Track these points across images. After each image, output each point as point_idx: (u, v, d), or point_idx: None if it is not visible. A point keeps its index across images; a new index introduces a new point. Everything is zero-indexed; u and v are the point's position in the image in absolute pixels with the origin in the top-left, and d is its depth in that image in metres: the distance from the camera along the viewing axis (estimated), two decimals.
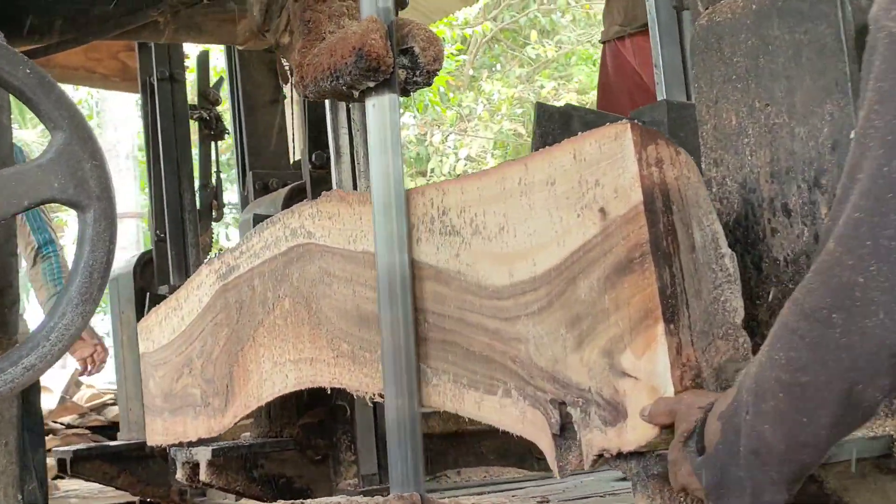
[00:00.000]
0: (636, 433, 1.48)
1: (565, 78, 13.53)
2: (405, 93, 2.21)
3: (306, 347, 2.33)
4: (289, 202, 3.01)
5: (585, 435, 1.57)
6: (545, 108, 1.85)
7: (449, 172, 12.92)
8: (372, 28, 2.07)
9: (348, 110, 2.90)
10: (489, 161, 13.21)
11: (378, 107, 2.14)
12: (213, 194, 4.15)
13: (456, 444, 3.20)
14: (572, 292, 1.58)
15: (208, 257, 2.78)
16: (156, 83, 4.06)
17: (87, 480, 4.05)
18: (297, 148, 3.68)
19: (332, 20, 2.35)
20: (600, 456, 1.55)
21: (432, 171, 13.17)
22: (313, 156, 2.95)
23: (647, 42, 3.13)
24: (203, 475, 2.83)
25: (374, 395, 2.10)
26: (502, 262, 1.73)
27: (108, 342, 4.59)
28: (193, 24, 3.10)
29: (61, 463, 4.04)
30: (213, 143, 4.21)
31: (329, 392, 2.57)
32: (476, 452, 3.22)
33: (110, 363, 4.32)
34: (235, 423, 2.68)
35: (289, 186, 3.09)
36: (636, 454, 1.50)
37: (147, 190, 4.16)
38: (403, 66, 2.12)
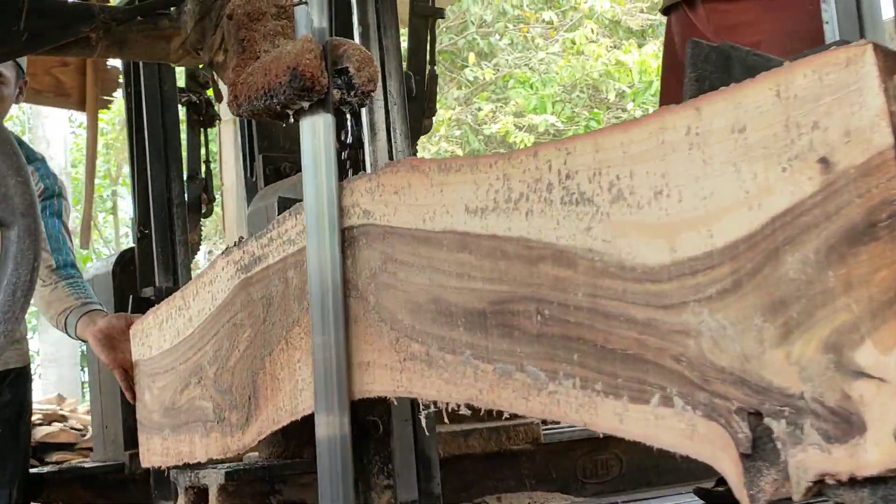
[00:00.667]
0: (880, 453, 1.12)
1: (503, 101, 13.71)
2: (339, 113, 2.20)
3: (360, 350, 1.94)
4: None
5: (795, 455, 1.21)
6: (700, 47, 1.50)
7: None
8: (307, 48, 2.07)
9: (384, 80, 2.53)
10: None
11: (312, 127, 2.14)
12: (203, 187, 3.73)
13: (497, 466, 2.83)
14: (773, 269, 1.22)
15: (226, 248, 2.37)
16: (140, 63, 3.64)
17: None
18: None
19: (266, 39, 2.34)
20: (819, 481, 1.19)
21: (210, 252, 13.20)
22: (340, 134, 2.56)
23: (725, 5, 2.80)
24: (214, 500, 2.42)
25: (458, 405, 1.72)
26: (658, 234, 1.36)
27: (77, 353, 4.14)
28: (126, 41, 3.01)
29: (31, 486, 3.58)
30: (202, 130, 3.78)
31: (356, 404, 2.19)
32: (517, 476, 2.85)
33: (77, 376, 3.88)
34: (259, 442, 2.27)
35: None
36: (877, 480, 1.14)
37: (130, 181, 3.73)
38: (338, 86, 2.12)
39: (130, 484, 3.62)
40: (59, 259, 3.25)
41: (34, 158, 3.34)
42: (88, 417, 6.17)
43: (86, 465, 3.65)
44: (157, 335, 2.66)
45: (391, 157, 2.48)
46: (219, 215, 12.78)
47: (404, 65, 2.58)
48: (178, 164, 3.58)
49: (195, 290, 2.48)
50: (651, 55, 13.01)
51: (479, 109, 13.42)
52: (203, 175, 3.75)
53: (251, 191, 3.07)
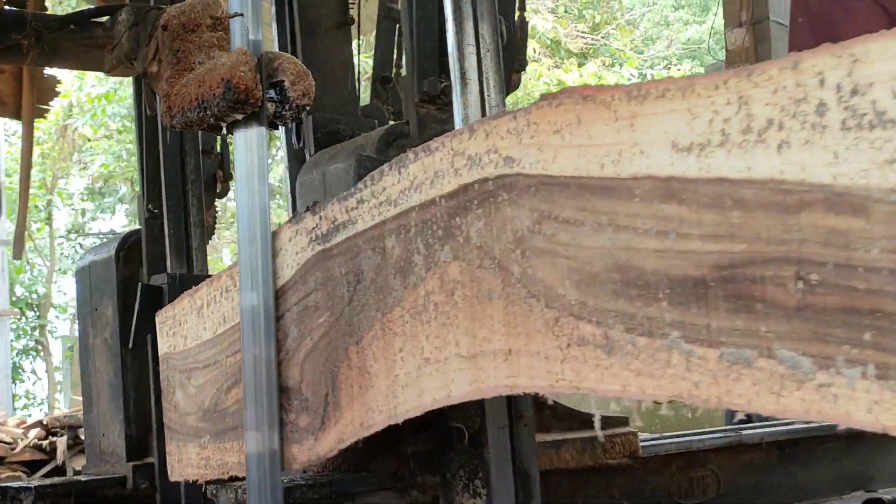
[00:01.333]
0: None
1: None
2: (273, 126, 2.20)
3: (497, 334, 1.53)
4: (386, 146, 2.20)
5: None
6: None
7: None
8: (241, 60, 2.09)
9: (476, 23, 2.13)
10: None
11: (246, 140, 2.14)
12: (219, 162, 3.30)
13: (588, 483, 2.42)
14: None
15: (296, 214, 1.95)
16: None
17: None
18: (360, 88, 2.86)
19: (201, 51, 2.32)
20: None
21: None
22: (424, 84, 2.15)
23: None
24: None
25: (662, 401, 1.32)
26: None
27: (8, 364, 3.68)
28: (58, 49, 3.03)
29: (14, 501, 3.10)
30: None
31: (442, 409, 1.78)
32: (608, 494, 2.44)
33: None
34: (340, 451, 1.85)
35: (384, 127, 2.27)
36: None
37: (136, 154, 3.28)
38: (272, 99, 2.12)
39: (132, 500, 3.16)
40: None
41: None
42: (19, 431, 5.68)
43: (82, 479, 3.18)
44: (194, 322, 2.23)
45: (483, 112, 2.08)
46: None
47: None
48: (194, 136, 3.14)
49: None
50: (591, 74, 13.10)
51: None
52: (219, 149, 3.31)
53: (296, 158, 2.64)
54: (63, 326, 18.32)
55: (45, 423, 7.60)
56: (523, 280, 1.49)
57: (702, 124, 1.25)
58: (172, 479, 2.34)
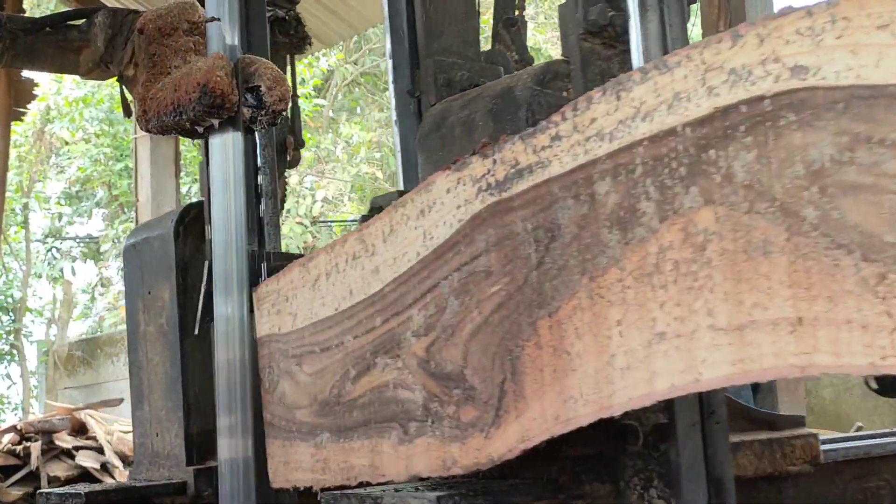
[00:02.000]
0: None
1: None
2: (249, 131, 2.21)
3: (777, 299, 1.17)
4: (542, 85, 1.83)
5: None
6: None
7: (305, 214, 13.29)
8: (217, 65, 2.09)
9: None
10: (346, 204, 13.76)
11: (222, 145, 2.15)
12: (290, 127, 2.93)
13: (758, 492, 2.05)
14: None
15: (457, 161, 1.58)
16: None
17: None
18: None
19: (177, 55, 2.30)
20: None
21: (288, 211, 13.06)
22: (591, 13, 1.79)
23: None
24: None
25: None
26: None
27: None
28: (34, 51, 3.05)
29: None
30: (288, 57, 2.97)
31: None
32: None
33: (118, 370, 3.12)
34: (523, 452, 1.48)
35: (539, 65, 1.91)
36: None
37: None
38: (248, 104, 2.14)
39: None
40: None
41: None
42: None
43: (137, 485, 2.79)
44: (307, 297, 1.86)
45: (665, 50, 1.72)
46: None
47: None
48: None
49: (387, 226, 1.68)
50: None
51: None
52: (289, 113, 2.94)
53: (406, 108, 2.27)
54: (39, 330, 17.89)
55: (19, 427, 7.25)
56: (823, 226, 1.13)
57: None
58: (276, 485, 1.96)
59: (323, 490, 1.81)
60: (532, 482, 1.74)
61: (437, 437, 1.59)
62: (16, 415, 15.41)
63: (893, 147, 1.07)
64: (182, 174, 9.93)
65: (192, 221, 2.87)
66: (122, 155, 14.91)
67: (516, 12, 2.49)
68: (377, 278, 1.70)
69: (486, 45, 2.46)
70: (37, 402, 16.00)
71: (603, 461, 1.77)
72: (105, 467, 7.40)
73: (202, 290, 2.65)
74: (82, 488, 2.74)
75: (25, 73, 5.80)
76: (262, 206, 2.74)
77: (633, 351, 1.32)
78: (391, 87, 2.39)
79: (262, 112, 2.17)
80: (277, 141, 2.86)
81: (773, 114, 1.17)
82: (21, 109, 5.84)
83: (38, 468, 6.98)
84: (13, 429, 7.32)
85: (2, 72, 5.10)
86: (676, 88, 1.27)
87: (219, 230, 2.18)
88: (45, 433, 7.11)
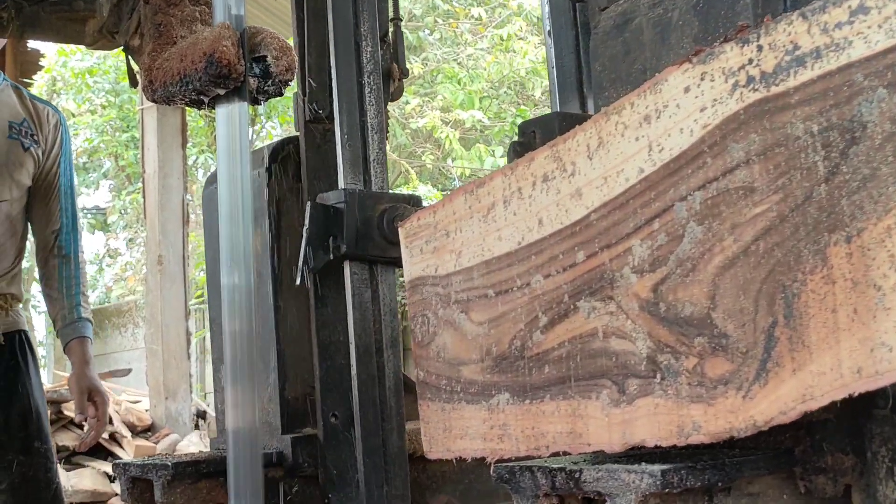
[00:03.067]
0: None
1: (430, 95, 13.49)
2: (256, 102, 2.19)
3: None
4: None
5: None
6: None
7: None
8: (224, 35, 2.07)
9: None
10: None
11: (228, 115, 2.13)
12: (392, 54, 2.61)
13: None
14: None
15: (702, 51, 1.26)
16: None
17: None
18: None
19: (183, 25, 2.29)
20: None
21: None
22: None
23: None
24: None
25: None
26: None
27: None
28: (39, 22, 3.04)
29: (137, 486, 2.42)
30: None
31: None
32: None
33: (126, 341, 2.89)
34: (801, 415, 1.16)
35: None
36: None
37: (295, 35, 2.57)
38: (255, 74, 2.12)
39: (290, 482, 2.48)
40: (65, 223, 3.03)
41: (48, 102, 3.13)
42: None
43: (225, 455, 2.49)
44: (476, 230, 1.54)
45: None
46: (139, 203, 11.76)
47: None
48: (372, 15, 2.45)
49: (594, 138, 1.36)
50: None
51: (407, 103, 13.19)
52: (392, 38, 2.62)
53: (564, 14, 1.95)
54: None
55: None
56: None
57: None
58: (433, 456, 1.65)
59: (499, 462, 1.50)
60: (766, 455, 1.42)
61: (669, 398, 1.28)
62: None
63: None
64: (189, 145, 9.68)
65: (287, 159, 2.56)
66: (128, 126, 14.77)
67: None
68: (579, 203, 1.38)
69: None
70: (45, 371, 15.85)
71: (844, 428, 1.46)
72: (114, 437, 7.20)
73: (304, 235, 2.35)
74: (167, 458, 2.45)
75: (31, 45, 5.76)
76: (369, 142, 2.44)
77: None
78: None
79: (269, 82, 2.13)
80: (382, 69, 2.54)
81: None
82: (27, 80, 5.81)
83: None
84: None
85: (7, 43, 4.94)
86: None
87: (224, 199, 2.13)
88: (54, 403, 6.92)
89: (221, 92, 2.12)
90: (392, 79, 2.60)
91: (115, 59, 13.96)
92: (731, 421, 1.21)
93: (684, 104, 1.26)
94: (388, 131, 2.60)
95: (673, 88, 1.28)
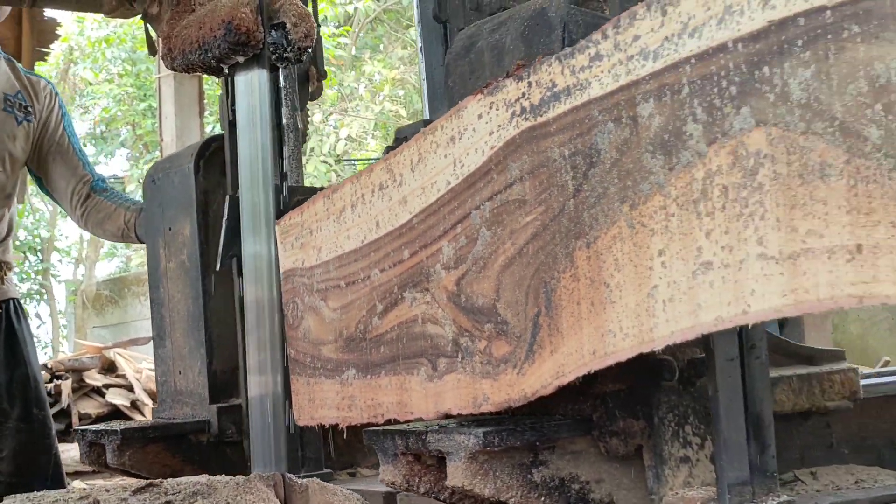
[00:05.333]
0: None
1: None
2: (275, 68, 2.20)
3: (835, 226, 1.09)
4: (580, 3, 1.75)
5: None
6: None
7: (329, 152, 13.33)
8: (243, 1, 2.05)
9: None
10: (370, 142, 13.77)
11: (248, 82, 2.15)
12: (312, 59, 2.84)
13: (800, 430, 2.00)
14: None
15: (490, 83, 1.50)
16: None
17: (136, 475, 2.71)
18: None
19: None
20: None
21: (312, 150, 13.13)
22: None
23: None
24: (458, 477, 1.55)
25: None
26: None
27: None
28: None
29: (93, 450, 2.69)
30: None
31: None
32: (826, 443, 2.02)
33: (146, 309, 3.12)
34: (558, 388, 1.42)
35: None
36: None
37: None
38: (274, 41, 2.11)
39: (215, 448, 2.74)
40: (94, 173, 3.13)
41: (40, 75, 3.21)
42: None
43: (174, 422, 2.76)
44: (331, 230, 1.79)
45: None
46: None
47: None
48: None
49: (415, 154, 1.61)
50: None
51: None
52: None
53: (433, 34, 2.18)
54: (66, 270, 18.02)
55: (50, 366, 7.30)
56: (887, 147, 1.05)
57: None
58: (300, 423, 1.91)
59: (349, 427, 1.76)
60: (568, 420, 1.68)
61: (467, 374, 1.53)
62: (46, 354, 15.57)
63: None
64: (206, 113, 9.85)
65: (213, 155, 2.80)
66: (145, 95, 14.87)
67: None
68: (405, 209, 1.63)
69: None
70: (66, 341, 16.13)
71: (636, 397, 1.71)
72: (135, 405, 7.45)
73: (223, 224, 2.59)
74: (118, 425, 2.71)
75: (48, 13, 5.72)
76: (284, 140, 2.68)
77: (677, 282, 1.25)
78: (416, 12, 2.31)
79: (288, 49, 2.14)
80: (299, 72, 2.78)
81: (834, 26, 1.09)
82: (44, 49, 5.70)
83: (69, 406, 7.04)
84: (44, 367, 7.36)
85: (24, 12, 5.04)
86: (728, 1, 1.19)
87: (245, 168, 2.16)
88: (76, 371, 7.16)
89: (241, 59, 2.11)
90: (311, 80, 2.83)
91: (131, 27, 14.08)
92: (509, 393, 1.47)
93: (478, 128, 1.51)
94: (307, 129, 2.83)
95: (471, 115, 1.52)
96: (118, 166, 17.35)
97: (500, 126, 1.47)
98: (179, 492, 1.92)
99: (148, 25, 2.64)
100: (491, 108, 1.49)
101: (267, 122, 2.18)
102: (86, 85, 16.12)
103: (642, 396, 1.71)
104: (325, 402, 1.82)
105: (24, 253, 16.58)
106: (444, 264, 1.56)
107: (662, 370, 1.71)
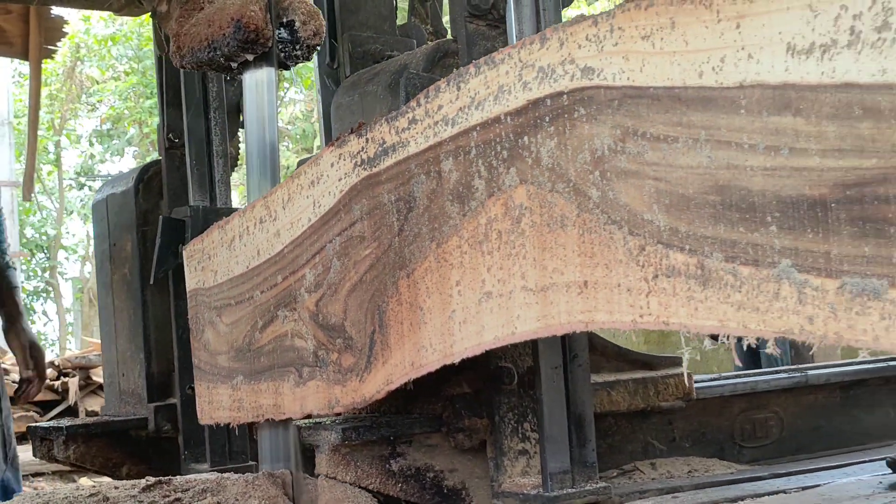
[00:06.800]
0: None
1: None
2: (284, 67, 2.19)
3: (571, 265, 1.38)
4: (432, 66, 2.04)
5: None
6: None
7: None
8: None
9: None
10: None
11: (256, 80, 2.16)
12: (242, 90, 3.12)
13: (644, 427, 2.29)
14: None
15: (339, 137, 1.79)
16: None
17: (79, 468, 3.01)
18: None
19: None
20: None
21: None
22: None
23: None
24: (324, 466, 1.86)
25: (768, 338, 1.18)
26: None
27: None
28: None
29: (44, 444, 2.99)
30: None
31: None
32: (668, 438, 2.32)
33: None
34: (387, 393, 1.71)
35: (431, 44, 2.11)
36: None
37: (156, 80, 3.11)
38: (283, 39, 2.12)
39: (153, 442, 3.04)
40: None
41: None
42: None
43: (116, 419, 3.06)
44: (225, 256, 2.08)
45: (538, 28, 1.91)
46: None
47: None
48: None
49: (286, 195, 1.90)
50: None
51: None
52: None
53: (329, 79, 2.47)
54: (73, 268, 18.29)
55: (57, 363, 7.54)
56: (603, 205, 1.34)
57: (826, 22, 1.09)
58: (202, 421, 2.21)
59: (239, 426, 2.05)
60: (421, 418, 1.97)
61: (324, 381, 1.82)
62: (53, 351, 15.84)
63: (653, 139, 1.27)
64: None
65: (151, 179, 3.10)
66: (151, 92, 15.06)
67: None
68: (279, 241, 1.92)
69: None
70: (73, 338, 16.39)
71: (481, 399, 2.00)
72: None
73: (157, 242, 2.88)
74: (66, 422, 3.01)
75: (55, 11, 5.59)
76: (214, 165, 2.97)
77: (468, 307, 1.54)
78: (315, 59, 2.57)
79: (297, 47, 2.14)
80: (231, 103, 3.07)
81: (569, 107, 1.38)
82: (51, 47, 5.62)
83: (75, 403, 7.28)
84: (51, 364, 7.51)
85: (32, 10, 5.01)
86: (501, 82, 1.48)
87: (253, 165, 2.19)
88: (82, 369, 7.39)
89: (250, 57, 2.12)
90: (241, 111, 3.12)
91: (137, 25, 14.26)
92: (354, 397, 1.76)
93: (331, 175, 1.79)
94: (238, 156, 3.12)
95: (326, 163, 1.81)
96: (125, 164, 17.58)
97: (346, 174, 1.76)
98: (188, 489, 1.97)
99: (157, 23, 2.64)
100: (340, 158, 1.77)
101: (275, 118, 2.19)
102: (92, 83, 16.36)
103: (486, 398, 2.00)
104: (220, 405, 2.11)
105: (31, 250, 16.85)
106: (307, 288, 1.85)
107: (503, 376, 2.00)
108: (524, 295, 1.45)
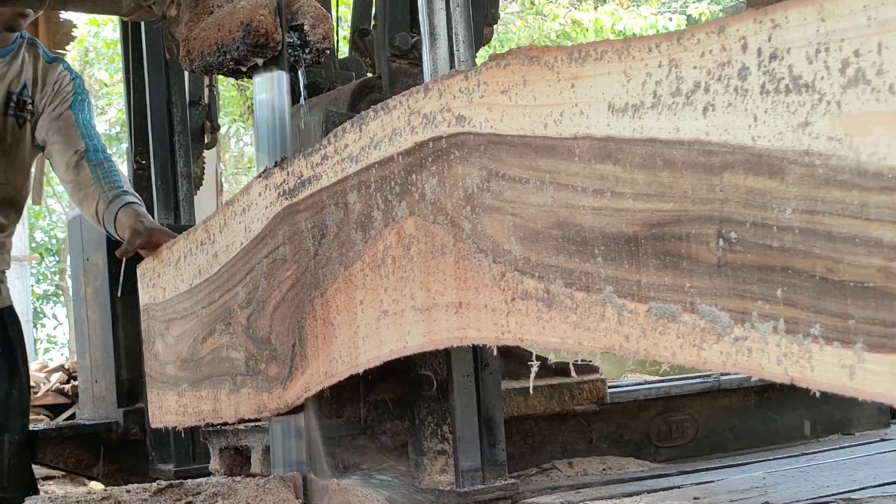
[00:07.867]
0: None
1: None
2: (293, 70, 2.19)
3: (449, 288, 1.58)
4: (358, 100, 2.24)
5: None
6: None
7: None
8: (261, 3, 2.05)
9: None
10: None
11: (266, 84, 2.16)
12: (206, 113, 3.33)
13: (562, 429, 2.49)
14: None
15: (265, 169, 2.00)
16: None
17: (51, 468, 3.21)
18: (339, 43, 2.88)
19: None
20: None
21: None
22: (395, 39, 2.18)
23: None
24: (258, 465, 2.06)
25: (587, 355, 1.37)
26: None
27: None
28: None
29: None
30: None
31: (408, 357, 1.87)
32: (586, 439, 2.51)
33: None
34: (306, 399, 1.91)
35: (357, 81, 2.31)
36: None
37: (125, 104, 3.32)
38: (292, 43, 2.13)
39: (124, 444, 3.25)
40: (90, 144, 2.87)
41: (59, 59, 3.14)
42: (41, 375, 5.81)
43: (85, 423, 3.27)
44: (172, 275, 2.28)
45: (452, 67, 2.11)
46: None
47: None
48: (181, 87, 3.18)
49: (222, 220, 2.10)
50: (607, 14, 13.02)
51: None
52: (206, 100, 3.35)
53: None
54: None
55: (66, 367, 7.72)
56: (473, 236, 1.54)
57: (636, 86, 1.28)
58: (153, 425, 2.42)
59: (184, 429, 2.26)
60: (345, 421, 2.17)
61: (254, 388, 2.02)
62: (62, 354, 16.00)
63: (510, 180, 1.47)
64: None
65: None
66: None
67: (371, 24, 2.87)
68: (217, 261, 2.12)
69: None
70: None
71: (403, 404, 2.20)
72: None
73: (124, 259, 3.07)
74: (42, 426, 3.22)
75: (64, 15, 5.64)
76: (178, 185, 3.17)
77: (370, 324, 1.73)
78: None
79: (306, 50, 2.14)
80: (194, 126, 3.27)
81: (447, 150, 1.58)
82: (60, 51, 5.59)
83: None
84: (61, 368, 7.68)
85: (41, 14, 5.13)
86: (394, 125, 1.68)
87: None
88: None
89: (259, 61, 2.11)
90: (206, 133, 3.32)
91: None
92: (278, 403, 1.95)
93: (259, 203, 1.99)
94: (203, 176, 3.32)
95: (255, 192, 2.01)
96: None
97: (271, 203, 1.96)
98: (200, 493, 1.99)
99: (166, 28, 2.59)
100: (266, 188, 1.97)
101: (286, 122, 2.18)
102: (101, 86, 16.56)
103: (408, 403, 2.20)
104: (168, 410, 2.31)
105: (41, 254, 17.04)
106: (240, 304, 2.05)
107: (423, 383, 2.20)
108: (413, 314, 1.65)
